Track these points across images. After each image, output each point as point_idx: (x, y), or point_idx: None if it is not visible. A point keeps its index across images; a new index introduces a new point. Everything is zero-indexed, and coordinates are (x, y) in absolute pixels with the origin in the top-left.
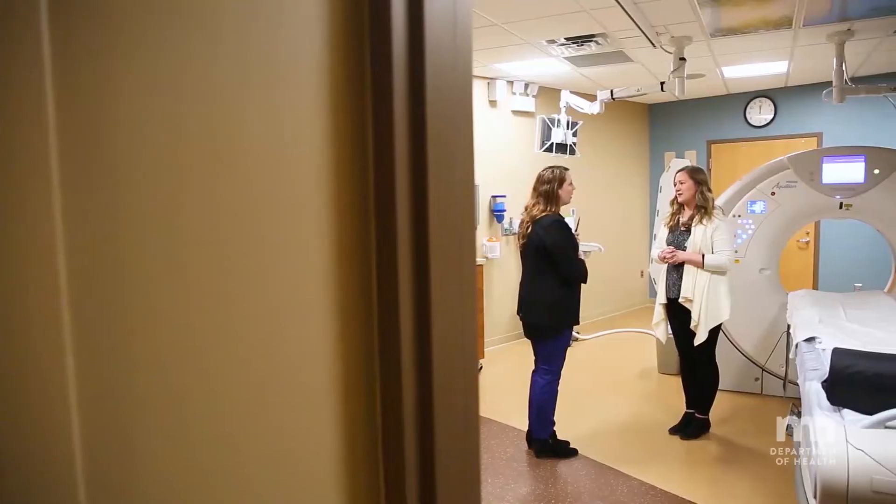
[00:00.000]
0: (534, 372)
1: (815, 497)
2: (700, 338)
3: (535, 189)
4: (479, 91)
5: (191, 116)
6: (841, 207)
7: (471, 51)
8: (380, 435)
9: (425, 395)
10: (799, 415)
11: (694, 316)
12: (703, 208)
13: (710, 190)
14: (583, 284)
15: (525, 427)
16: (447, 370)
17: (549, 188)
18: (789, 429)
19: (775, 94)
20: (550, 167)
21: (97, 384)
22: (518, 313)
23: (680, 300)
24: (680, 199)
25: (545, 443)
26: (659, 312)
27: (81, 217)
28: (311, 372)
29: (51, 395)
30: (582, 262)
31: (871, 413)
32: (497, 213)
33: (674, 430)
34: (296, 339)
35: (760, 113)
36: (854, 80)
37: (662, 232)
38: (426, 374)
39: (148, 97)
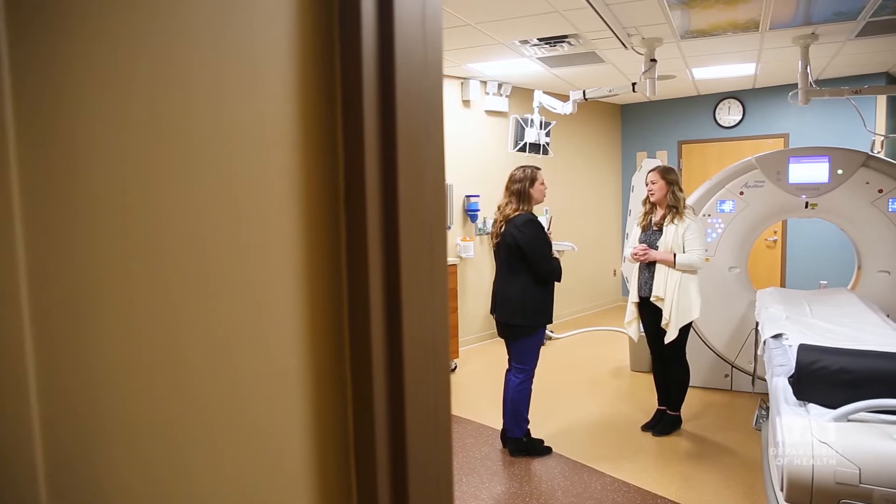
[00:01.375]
0: (508, 371)
1: (781, 489)
2: (671, 336)
3: (507, 188)
4: (452, 91)
5: (160, 115)
6: (807, 207)
7: (441, 50)
8: (351, 435)
9: (397, 395)
10: (767, 410)
11: (665, 314)
12: (675, 208)
13: (681, 190)
14: (557, 283)
15: (499, 426)
16: (419, 370)
17: (521, 187)
18: (757, 423)
19: (744, 96)
20: (522, 166)
21: (59, 386)
22: (492, 313)
23: (651, 299)
24: (652, 199)
25: (519, 441)
26: (631, 311)
27: (43, 217)
28: (281, 373)
29: (10, 395)
30: (556, 261)
31: (835, 407)
32: (471, 213)
33: (646, 427)
34: (265, 341)
35: (729, 114)
36: (818, 82)
37: (635, 231)
38: (397, 374)
39: (115, 99)
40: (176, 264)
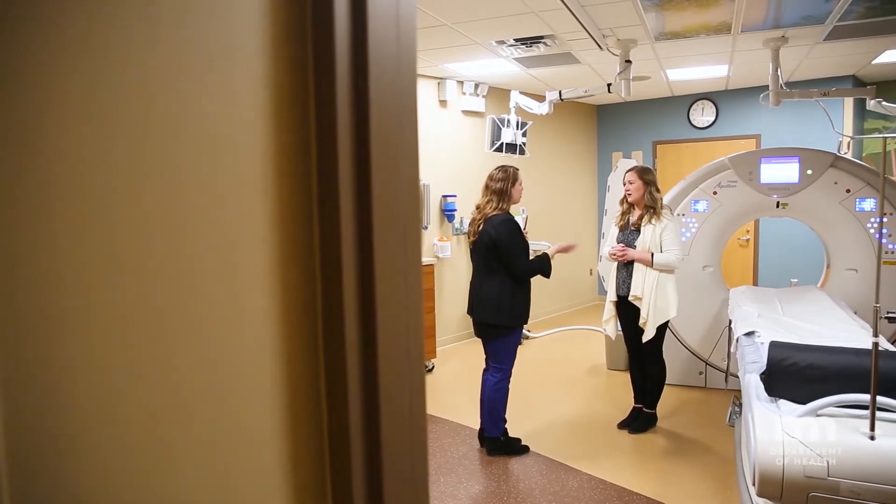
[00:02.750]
0: (485, 370)
1: (753, 484)
2: (648, 334)
3: (486, 187)
4: (429, 91)
5: (124, 112)
6: (778, 206)
7: (415, 48)
8: (326, 435)
9: (371, 393)
10: (740, 406)
11: (643, 313)
12: (652, 208)
13: (658, 190)
14: (534, 282)
15: (477, 425)
16: (393, 368)
17: (503, 186)
18: (731, 420)
19: (717, 97)
20: (502, 166)
21: (23, 385)
22: (468, 312)
23: (630, 298)
24: (629, 199)
25: (497, 441)
26: (609, 310)
27: (5, 214)
28: (255, 374)
29: None
30: (546, 257)
31: (805, 402)
32: (448, 213)
33: (622, 425)
34: (238, 342)
35: (703, 114)
36: (789, 84)
37: (613, 231)
38: (372, 373)
39: (79, 93)
40: (146, 263)
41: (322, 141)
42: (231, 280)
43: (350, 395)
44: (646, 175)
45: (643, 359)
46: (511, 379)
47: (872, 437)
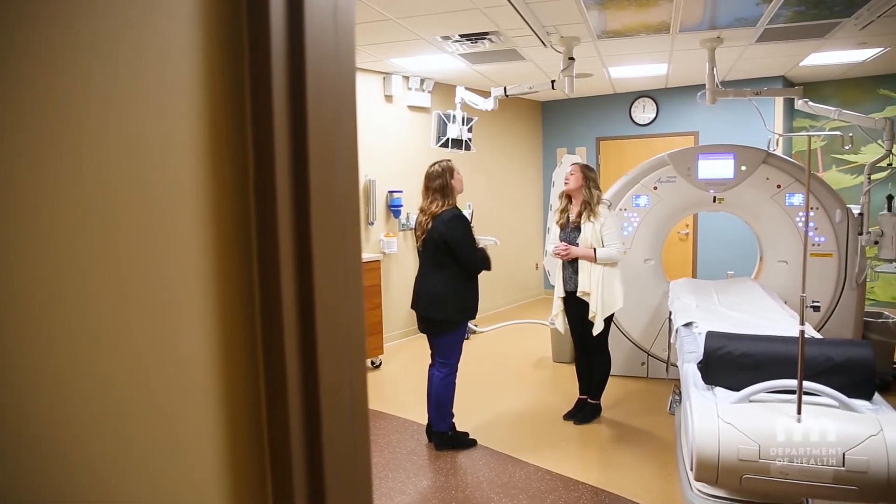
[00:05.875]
0: (431, 366)
1: (691, 469)
2: (598, 327)
3: (426, 188)
4: (374, 86)
5: (53, 107)
6: (714, 201)
7: (353, 40)
8: (266, 435)
9: (311, 392)
10: (680, 395)
11: (592, 307)
12: (589, 203)
13: (598, 188)
14: (487, 272)
15: (425, 421)
16: (334, 364)
17: (442, 182)
18: (671, 408)
19: (657, 95)
20: (435, 162)
21: None
22: (413, 307)
23: (578, 294)
24: (567, 187)
25: (445, 435)
26: (557, 305)
27: None
28: (191, 375)
29: None
30: (483, 251)
31: (738, 389)
32: (394, 209)
33: (568, 416)
34: (172, 342)
35: (644, 112)
36: (724, 83)
37: (553, 230)
38: (312, 370)
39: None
40: (74, 264)
41: (258, 134)
42: (164, 278)
43: (290, 391)
44: (587, 171)
45: (590, 351)
46: (458, 373)
47: (799, 420)
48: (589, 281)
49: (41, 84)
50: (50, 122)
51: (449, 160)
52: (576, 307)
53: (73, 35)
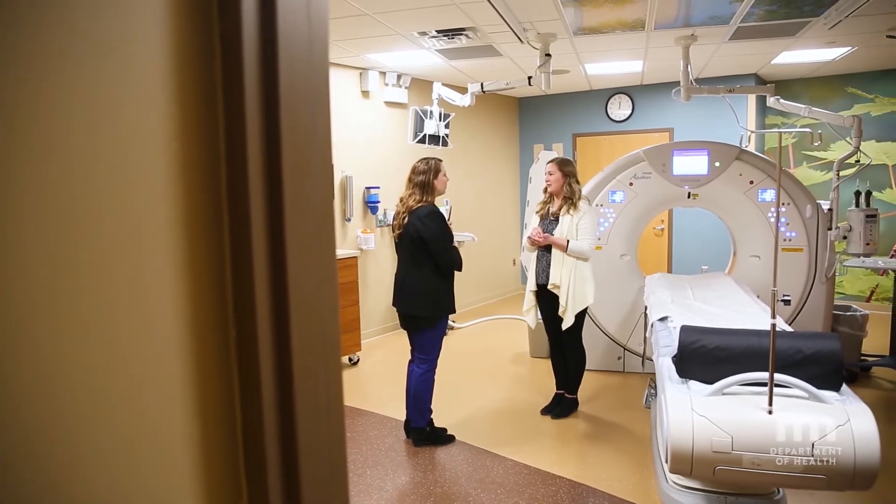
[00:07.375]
0: (410, 362)
1: (666, 461)
2: (567, 322)
3: (410, 180)
4: (351, 81)
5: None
6: (689, 197)
7: (327, 33)
8: (240, 433)
9: (286, 388)
10: (655, 389)
11: (562, 301)
12: (570, 199)
13: (577, 182)
14: (457, 273)
15: (403, 417)
16: (308, 361)
17: (425, 178)
18: (647, 402)
19: (633, 91)
20: (425, 158)
21: None
22: (394, 304)
23: (549, 286)
24: (549, 190)
25: (423, 431)
26: (529, 299)
27: None
28: (164, 370)
29: None
30: (456, 251)
31: (712, 382)
32: (371, 205)
33: (545, 411)
34: (146, 338)
35: (620, 108)
36: (699, 80)
37: (534, 220)
38: (286, 368)
39: None
40: (48, 260)
41: (231, 129)
42: (137, 275)
43: (264, 389)
44: (565, 167)
45: (564, 346)
46: (437, 369)
47: (770, 412)
48: (560, 274)
49: None
50: (9, 123)
51: (440, 160)
52: (549, 302)
53: (32, 32)
